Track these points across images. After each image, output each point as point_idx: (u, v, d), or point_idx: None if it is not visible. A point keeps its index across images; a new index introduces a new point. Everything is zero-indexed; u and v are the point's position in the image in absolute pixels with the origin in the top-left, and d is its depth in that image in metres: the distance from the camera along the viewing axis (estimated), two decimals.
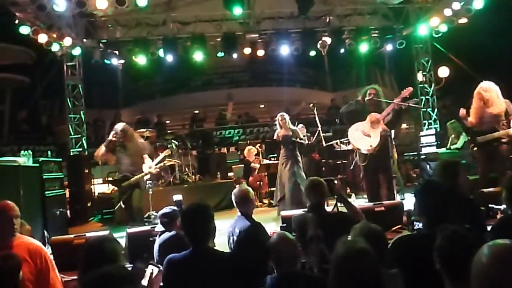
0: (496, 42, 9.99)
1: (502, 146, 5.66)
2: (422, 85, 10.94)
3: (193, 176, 9.47)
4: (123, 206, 6.18)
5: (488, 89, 5.70)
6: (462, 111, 5.96)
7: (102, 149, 6.25)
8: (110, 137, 6.18)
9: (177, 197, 5.10)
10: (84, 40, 9.49)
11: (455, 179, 3.30)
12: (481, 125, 5.81)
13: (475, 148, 5.99)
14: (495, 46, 10.29)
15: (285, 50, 10.22)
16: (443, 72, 10.35)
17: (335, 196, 3.63)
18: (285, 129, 6.99)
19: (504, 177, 5.41)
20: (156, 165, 6.38)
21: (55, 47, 8.73)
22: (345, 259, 1.55)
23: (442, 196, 2.33)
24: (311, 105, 7.98)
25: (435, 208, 2.30)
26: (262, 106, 17.54)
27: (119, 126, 6.25)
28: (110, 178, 8.16)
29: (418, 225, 3.73)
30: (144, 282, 2.50)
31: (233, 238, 3.33)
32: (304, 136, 8.58)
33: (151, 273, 2.63)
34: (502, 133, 5.62)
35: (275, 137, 7.17)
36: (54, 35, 8.52)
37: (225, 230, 3.59)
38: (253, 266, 2.32)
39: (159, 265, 2.69)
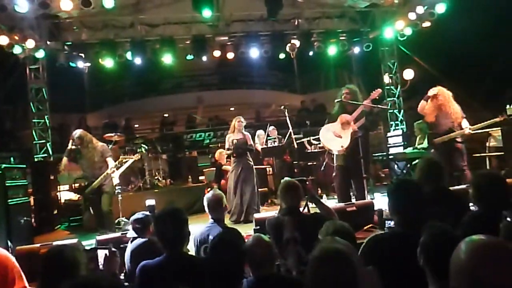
0: (458, 45, 10.37)
1: (457, 145, 5.94)
2: (388, 87, 11.23)
3: (164, 180, 9.33)
4: (92, 212, 6.07)
5: (439, 94, 5.92)
6: (422, 105, 6.13)
7: (64, 160, 6.17)
8: (69, 147, 6.11)
9: (150, 201, 5.01)
10: (48, 42, 9.15)
11: (441, 177, 3.37)
12: (437, 127, 6.04)
13: (433, 150, 6.23)
14: (457, 49, 10.68)
15: (254, 52, 10.18)
16: (408, 74, 10.62)
17: (306, 196, 3.65)
18: (237, 133, 7.01)
19: (463, 174, 5.73)
20: (118, 166, 6.29)
21: (17, 50, 8.38)
22: (321, 260, 1.54)
23: (416, 194, 2.37)
24: (282, 107, 8.02)
25: (408, 207, 2.34)
26: (232, 108, 17.48)
27: (76, 133, 6.18)
28: (77, 185, 7.94)
29: (390, 223, 3.80)
30: (101, 267, 2.45)
31: (205, 246, 3.27)
32: (275, 138, 8.67)
33: (105, 257, 2.58)
34: (457, 134, 5.92)
35: (226, 144, 7.19)
36: (16, 37, 8.19)
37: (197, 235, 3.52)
38: (230, 270, 2.29)
39: (109, 247, 2.64)
